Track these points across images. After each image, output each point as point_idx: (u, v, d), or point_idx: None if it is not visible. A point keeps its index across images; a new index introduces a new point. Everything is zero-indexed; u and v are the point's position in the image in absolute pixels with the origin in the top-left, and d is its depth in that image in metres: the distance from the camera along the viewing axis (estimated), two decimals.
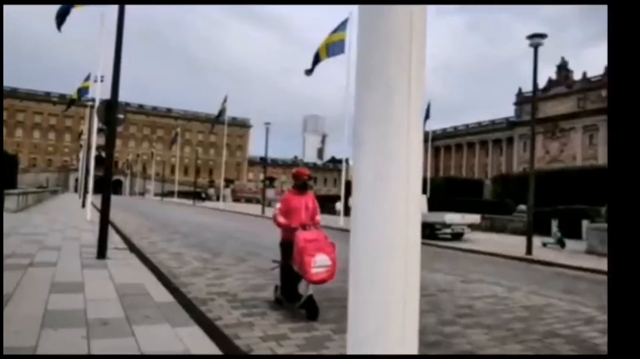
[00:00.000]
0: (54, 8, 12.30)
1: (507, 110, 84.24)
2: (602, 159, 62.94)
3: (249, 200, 69.56)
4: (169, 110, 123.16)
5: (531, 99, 68.52)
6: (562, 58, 72.94)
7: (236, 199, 68.34)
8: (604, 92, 66.26)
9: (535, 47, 14.77)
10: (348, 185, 58.24)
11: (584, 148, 67.58)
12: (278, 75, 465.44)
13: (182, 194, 67.52)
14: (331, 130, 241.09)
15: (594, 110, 66.59)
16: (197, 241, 13.94)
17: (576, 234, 20.20)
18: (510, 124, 79.28)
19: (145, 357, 4.01)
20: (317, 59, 25.01)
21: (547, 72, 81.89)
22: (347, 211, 35.79)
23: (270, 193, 50.28)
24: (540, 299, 7.46)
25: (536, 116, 65.13)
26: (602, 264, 12.48)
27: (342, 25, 24.23)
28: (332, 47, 24.35)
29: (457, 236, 18.65)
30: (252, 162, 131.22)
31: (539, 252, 14.50)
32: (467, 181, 63.33)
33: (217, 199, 51.85)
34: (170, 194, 72.35)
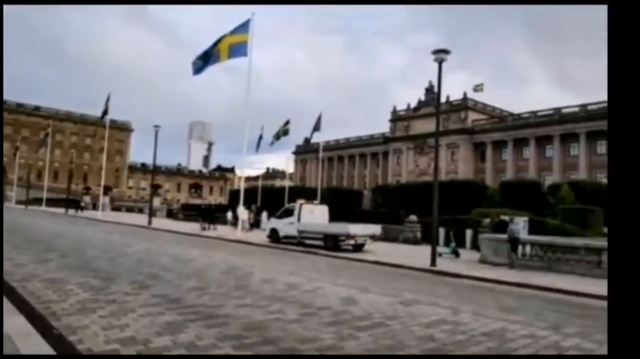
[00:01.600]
0: None
1: (374, 126, 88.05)
2: (461, 173, 69.08)
3: (130, 209, 63.30)
4: (37, 108, 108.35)
5: (404, 117, 71.95)
6: (430, 82, 78.72)
7: (115, 208, 61.67)
8: (462, 114, 72.97)
9: (440, 62, 14.79)
10: (233, 195, 56.10)
11: (447, 163, 73.43)
12: (163, 78, 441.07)
13: (52, 202, 59.04)
14: (218, 138, 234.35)
15: (455, 130, 72.82)
16: (80, 261, 11.27)
17: (460, 243, 20.87)
18: (386, 139, 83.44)
19: (144, 357, 4.10)
20: (207, 59, 23.03)
21: (417, 95, 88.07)
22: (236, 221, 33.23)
23: (155, 202, 45.92)
24: (491, 322, 6.76)
25: (408, 132, 69.02)
26: (502, 275, 12.60)
27: (244, 27, 22.62)
28: (235, 48, 22.61)
29: (359, 247, 18.07)
30: (132, 169, 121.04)
31: (439, 263, 14.31)
32: (348, 191, 64.79)
33: (94, 207, 46.04)
34: (38, 201, 62.95)
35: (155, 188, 42.25)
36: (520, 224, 20.34)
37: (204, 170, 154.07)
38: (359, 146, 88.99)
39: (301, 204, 20.06)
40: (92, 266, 10.54)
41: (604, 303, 8.97)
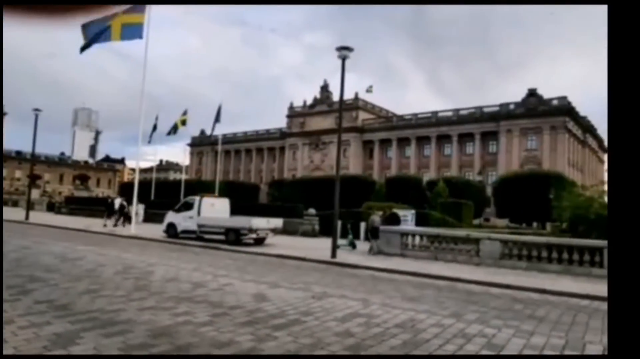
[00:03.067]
0: None
1: (271, 121, 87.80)
2: (352, 169, 71.85)
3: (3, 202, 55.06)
4: None
5: (300, 113, 72.88)
6: (325, 80, 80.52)
7: None
8: (354, 114, 75.77)
9: (343, 58, 14.90)
10: (124, 188, 51.73)
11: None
12: (38, 58, 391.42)
13: None
14: (106, 127, 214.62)
15: (347, 127, 75.41)
16: None
17: (355, 235, 21.41)
18: (282, 135, 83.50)
19: (145, 357, 4.09)
20: (97, 36, 20.59)
21: (312, 92, 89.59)
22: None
23: (34, 194, 40.44)
24: (400, 313, 6.81)
25: (304, 128, 69.75)
26: (398, 264, 13.09)
27: (140, 6, 20.50)
28: (128, 29, 20.42)
29: (260, 241, 17.62)
30: (4, 158, 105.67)
31: (338, 255, 14.43)
32: (245, 185, 63.75)
33: None
34: None
35: (33, 179, 37.19)
36: (408, 217, 21.57)
37: (91, 160, 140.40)
38: (256, 140, 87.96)
39: (201, 197, 18.97)
40: None
41: (486, 288, 9.70)
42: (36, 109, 29.34)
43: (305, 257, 14.04)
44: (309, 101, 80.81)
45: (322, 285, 9.08)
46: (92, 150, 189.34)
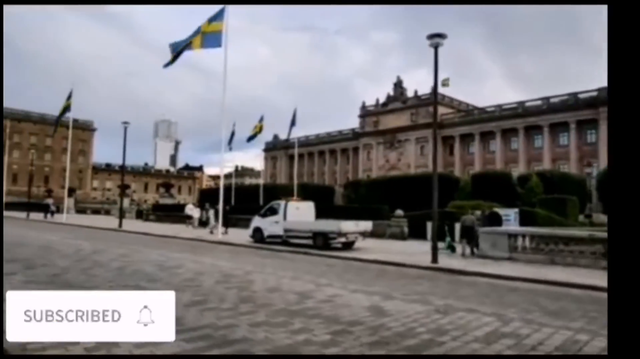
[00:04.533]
0: None
1: (341, 123, 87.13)
2: (431, 167, 69.20)
3: (96, 211, 60.06)
4: None
5: (373, 112, 71.71)
6: (398, 77, 78.72)
7: (80, 211, 58.29)
8: (431, 109, 73.16)
9: (435, 47, 13.85)
10: (203, 193, 53.95)
11: (417, 157, 73.57)
12: (123, 77, 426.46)
13: (13, 206, 55.16)
14: (184, 136, 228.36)
15: (424, 124, 72.96)
16: (49, 273, 9.62)
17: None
18: (355, 135, 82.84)
19: (145, 357, 4.25)
20: (180, 50, 21.27)
21: (382, 90, 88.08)
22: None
23: (124, 202, 43.32)
24: (553, 332, 5.75)
25: (378, 127, 68.62)
26: (513, 270, 11.79)
27: (219, 15, 20.89)
28: (208, 37, 20.88)
29: (349, 245, 16.99)
30: (96, 169, 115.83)
31: (439, 259, 13.34)
32: (320, 187, 63.82)
33: (57, 210, 43.02)
34: None
35: (124, 188, 39.84)
36: (511, 216, 19.82)
37: (172, 169, 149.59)
38: (329, 142, 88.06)
39: (287, 202, 18.77)
40: (64, 279, 8.96)
41: None
42: (125, 122, 31.22)
43: (404, 263, 13.15)
44: (382, 99, 79.41)
45: (439, 296, 8.17)
46: (173, 159, 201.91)
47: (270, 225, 18.66)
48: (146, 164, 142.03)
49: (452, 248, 16.26)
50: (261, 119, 41.11)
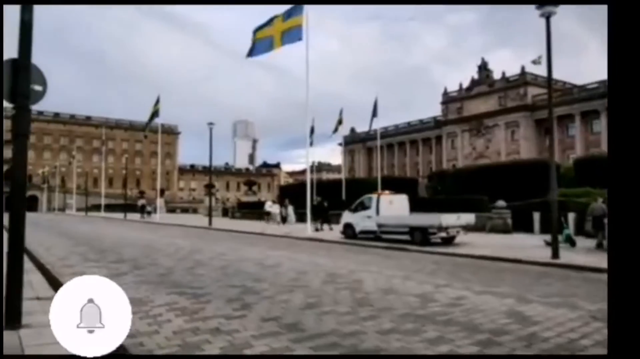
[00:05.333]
0: None
1: (419, 111, 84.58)
2: (523, 153, 64.62)
3: (184, 210, 63.71)
4: (88, 118, 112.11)
5: (456, 98, 68.50)
6: (482, 59, 74.64)
7: (170, 210, 62.17)
8: (522, 90, 68.33)
9: (547, 16, 12.41)
10: (282, 190, 54.89)
11: (507, 144, 69.27)
12: (201, 82, 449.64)
13: (110, 208, 60.25)
14: (261, 134, 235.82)
15: (514, 107, 68.44)
16: (156, 273, 9.89)
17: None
18: (438, 123, 79.92)
19: (144, 357, 4.17)
20: (261, 44, 21.42)
21: (462, 75, 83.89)
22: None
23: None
24: None
25: (462, 114, 65.38)
26: None
27: (298, 9, 20.75)
28: (288, 34, 20.85)
29: (449, 240, 15.99)
30: (181, 171, 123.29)
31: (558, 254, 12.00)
32: (402, 179, 62.23)
33: (153, 211, 46.09)
34: (96, 207, 64.45)
35: (209, 188, 41.64)
36: None
37: (251, 167, 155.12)
38: (409, 132, 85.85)
39: (379, 196, 18.16)
40: (172, 279, 9.11)
41: None
42: (210, 123, 32.46)
43: (519, 258, 11.99)
44: (465, 84, 75.77)
45: (584, 298, 7.12)
46: (251, 158, 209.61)
47: (362, 220, 18.19)
48: (226, 163, 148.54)
49: (571, 242, 14.66)
50: (341, 113, 40.82)
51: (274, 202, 38.80)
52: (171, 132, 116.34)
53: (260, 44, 21.68)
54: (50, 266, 10.75)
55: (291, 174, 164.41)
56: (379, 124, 40.32)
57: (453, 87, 77.40)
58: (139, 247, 15.67)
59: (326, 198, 32.68)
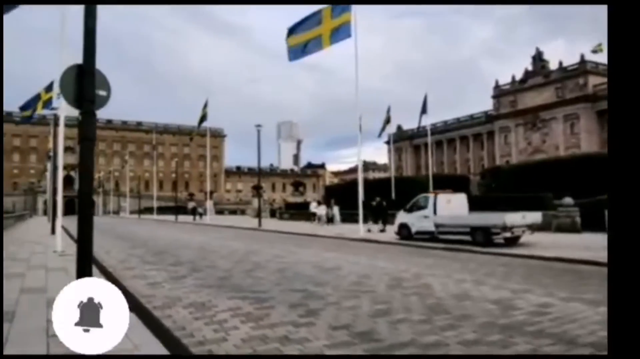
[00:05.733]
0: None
1: (468, 107, 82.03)
2: (584, 147, 61.23)
3: (232, 212, 64.90)
4: (139, 124, 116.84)
5: (509, 91, 65.70)
6: (537, 49, 71.43)
7: (219, 212, 63.49)
8: (581, 80, 64.83)
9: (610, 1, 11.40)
10: (328, 190, 54.67)
11: (566, 137, 65.91)
12: (245, 85, 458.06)
13: (162, 210, 62.31)
14: (304, 135, 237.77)
15: (573, 98, 65.05)
16: (216, 276, 9.85)
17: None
18: (489, 118, 77.24)
19: (143, 357, 4.16)
20: (307, 43, 21.14)
21: (511, 69, 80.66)
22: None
23: (257, 203, 45.87)
24: None
25: (515, 107, 62.63)
26: None
27: (346, 7, 20.37)
28: (337, 32, 20.52)
29: (513, 240, 15.15)
30: (228, 173, 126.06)
31: None
32: (452, 177, 60.50)
33: (204, 212, 47.20)
34: (148, 210, 66.88)
35: (257, 189, 42.11)
36: None
37: (295, 168, 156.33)
38: (458, 128, 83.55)
39: (436, 195, 17.52)
40: (232, 282, 9.01)
41: None
42: (258, 125, 32.73)
43: (598, 261, 11.08)
44: (518, 76, 72.75)
45: None
46: (295, 158, 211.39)
47: (417, 220, 17.62)
48: (271, 164, 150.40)
49: None
50: (388, 111, 40.16)
51: (319, 203, 38.75)
52: (217, 135, 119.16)
53: (307, 46, 21.44)
54: (112, 269, 10.98)
55: (336, 174, 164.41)
56: (427, 120, 39.29)
57: (504, 80, 74.56)
58: (194, 250, 15.86)
59: (373, 198, 32.18)
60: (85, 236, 5.19)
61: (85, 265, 5.16)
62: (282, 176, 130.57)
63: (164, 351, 4.58)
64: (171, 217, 52.89)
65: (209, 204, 44.38)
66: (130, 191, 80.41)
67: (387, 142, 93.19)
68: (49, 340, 4.76)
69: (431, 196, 17.59)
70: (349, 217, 34.70)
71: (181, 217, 49.96)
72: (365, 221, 21.73)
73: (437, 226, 16.78)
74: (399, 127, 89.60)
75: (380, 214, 23.44)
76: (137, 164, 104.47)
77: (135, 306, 6.42)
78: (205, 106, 40.17)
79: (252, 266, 11.22)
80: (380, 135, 36.97)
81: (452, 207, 17.21)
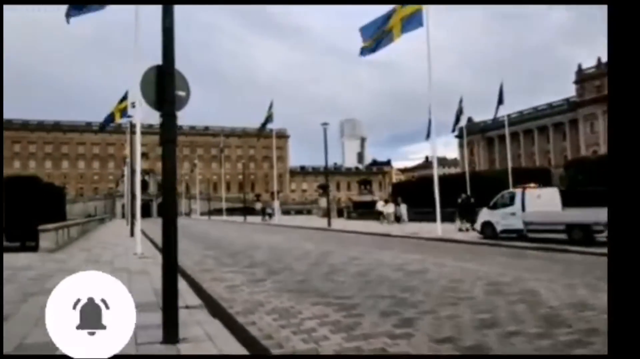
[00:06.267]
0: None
1: (547, 95, 76.83)
2: None
3: (299, 212, 65.53)
4: (206, 128, 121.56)
5: (595, 75, 60.99)
6: None
7: (285, 212, 64.33)
8: None
9: None
10: (395, 188, 53.41)
11: None
12: (304, 84, 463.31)
13: (230, 211, 64.21)
14: (368, 132, 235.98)
15: None
16: (294, 279, 9.55)
17: None
18: (572, 105, 72.17)
19: (144, 357, 3.97)
20: (379, 39, 20.49)
21: (593, 52, 74.85)
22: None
23: (325, 202, 45.88)
24: None
25: (602, 92, 57.72)
26: None
27: None
28: (407, 21, 19.76)
29: None
30: (292, 173, 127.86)
31: None
32: (531, 170, 56.99)
33: (272, 213, 47.97)
34: (217, 211, 69.18)
35: (325, 188, 42.04)
36: None
37: (360, 166, 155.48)
38: (537, 118, 78.87)
39: (524, 190, 16.28)
40: (313, 286, 8.65)
41: None
42: (324, 123, 32.54)
43: None
44: (603, 58, 67.29)
45: None
46: (360, 156, 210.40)
47: (503, 218, 16.48)
48: (335, 163, 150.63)
49: None
50: (460, 102, 38.41)
51: (386, 201, 38.08)
52: (282, 136, 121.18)
53: (380, 42, 20.84)
54: (189, 270, 11.06)
55: (403, 171, 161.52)
56: (499, 111, 37.16)
57: (587, 64, 69.28)
58: (267, 251, 15.81)
59: (449, 194, 30.83)
60: (170, 239, 5.01)
61: (169, 269, 4.99)
62: (346, 175, 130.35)
63: None
64: (239, 218, 54.29)
65: (276, 204, 44.90)
66: (200, 193, 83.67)
67: (458, 136, 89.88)
68: (137, 348, 4.62)
69: (518, 191, 16.39)
70: (420, 215, 33.67)
71: (249, 218, 51.10)
72: (443, 220, 20.64)
73: (526, 223, 15.57)
74: (470, 120, 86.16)
75: (467, 212, 21.88)
76: (205, 167, 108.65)
77: (222, 315, 6.24)
78: (271, 106, 40.67)
79: (329, 269, 10.84)
80: (454, 129, 35.51)
81: (542, 203, 15.91)
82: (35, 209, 20.57)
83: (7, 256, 14.40)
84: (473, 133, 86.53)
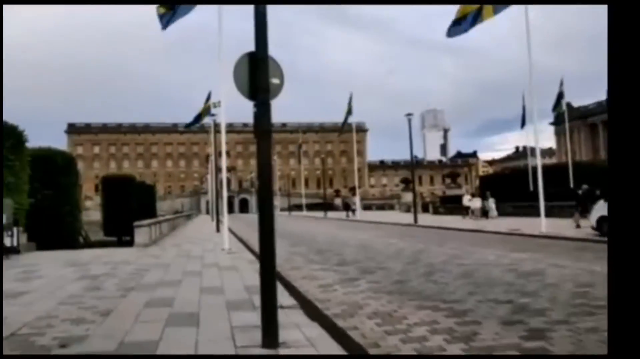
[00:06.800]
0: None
1: None
2: None
3: (380, 207, 64.65)
4: (283, 125, 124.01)
5: None
6: None
7: (366, 207, 63.72)
8: None
9: None
10: (483, 181, 50.56)
11: None
12: (383, 76, 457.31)
13: (310, 207, 64.83)
14: (451, 123, 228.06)
15: None
16: (391, 279, 8.94)
17: None
18: None
19: (145, 357, 4.03)
20: (467, 21, 19.08)
21: None
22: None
23: (408, 197, 44.62)
24: None
25: None
26: None
27: None
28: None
29: None
30: (371, 167, 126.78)
31: None
32: None
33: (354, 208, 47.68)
34: (297, 207, 70.20)
35: (407, 183, 40.87)
36: None
37: (443, 159, 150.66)
38: None
39: None
40: (413, 288, 8.00)
41: None
42: (408, 114, 31.37)
43: None
44: None
45: None
46: (443, 149, 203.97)
47: None
48: (416, 156, 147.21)
49: None
50: (561, 84, 35.61)
51: (473, 195, 36.40)
52: (360, 130, 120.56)
53: (465, 19, 19.48)
54: (279, 268, 10.84)
55: (490, 163, 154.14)
56: (594, 97, 33.88)
57: None
58: (355, 248, 15.34)
59: (546, 187, 28.48)
60: (267, 235, 4.67)
61: (268, 270, 4.64)
62: (429, 168, 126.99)
63: None
64: (319, 214, 54.60)
65: (357, 199, 44.46)
66: (279, 189, 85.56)
67: (554, 124, 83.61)
68: (237, 351, 4.32)
69: None
70: (517, 209, 31.57)
71: (329, 214, 51.15)
72: (547, 214, 18.89)
73: None
74: (568, 105, 79.85)
75: (587, 205, 19.12)
76: (283, 163, 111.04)
77: (320, 318, 5.83)
78: (350, 100, 40.22)
79: (428, 268, 10.10)
80: (555, 111, 33.03)
81: None
82: (130, 205, 21.82)
83: (107, 250, 15.31)
84: (572, 120, 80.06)
